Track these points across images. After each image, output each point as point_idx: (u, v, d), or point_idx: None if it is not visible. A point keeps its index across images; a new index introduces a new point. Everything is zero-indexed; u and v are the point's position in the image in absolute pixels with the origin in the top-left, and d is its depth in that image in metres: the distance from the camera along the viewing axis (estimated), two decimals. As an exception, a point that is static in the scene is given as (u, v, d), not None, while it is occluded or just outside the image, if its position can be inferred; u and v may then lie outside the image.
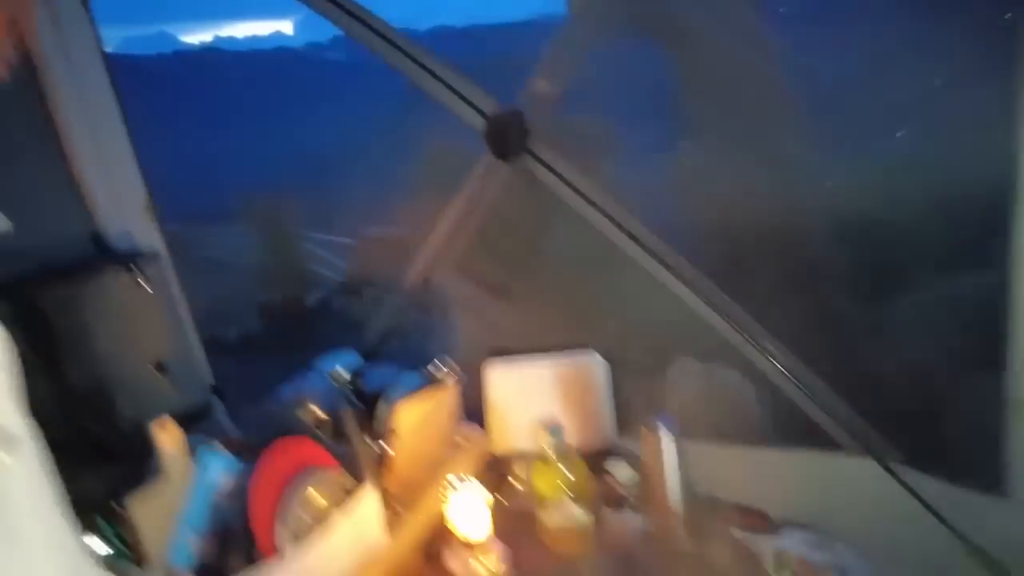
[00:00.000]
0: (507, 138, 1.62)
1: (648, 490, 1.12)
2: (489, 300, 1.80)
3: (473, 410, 1.63)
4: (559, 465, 1.12)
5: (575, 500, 1.11)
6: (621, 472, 1.10)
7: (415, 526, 1.33)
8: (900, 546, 1.51)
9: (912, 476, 1.58)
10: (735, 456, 1.73)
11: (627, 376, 1.52)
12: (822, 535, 1.59)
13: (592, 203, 1.69)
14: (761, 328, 1.70)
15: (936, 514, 1.49)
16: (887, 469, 1.59)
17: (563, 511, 1.11)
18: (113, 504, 1.13)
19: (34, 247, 1.52)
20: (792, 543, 1.64)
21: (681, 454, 1.12)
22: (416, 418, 1.39)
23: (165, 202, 1.65)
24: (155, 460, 1.16)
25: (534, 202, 1.74)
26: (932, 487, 1.55)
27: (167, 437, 1.17)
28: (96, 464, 1.35)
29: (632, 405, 1.41)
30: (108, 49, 2.06)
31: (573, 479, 1.12)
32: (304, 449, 1.23)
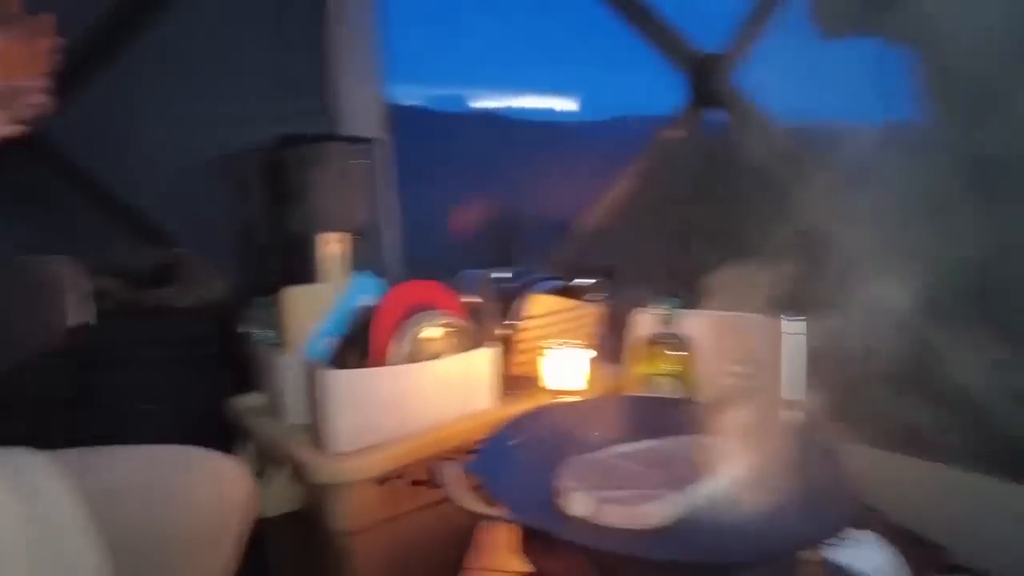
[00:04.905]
0: (708, 83, 1.61)
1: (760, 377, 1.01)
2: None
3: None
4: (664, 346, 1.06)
5: (673, 380, 1.04)
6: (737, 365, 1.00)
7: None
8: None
9: None
10: (912, 469, 1.44)
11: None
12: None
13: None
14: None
15: None
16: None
17: (653, 387, 1.04)
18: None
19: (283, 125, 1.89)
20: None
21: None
22: (548, 309, 1.41)
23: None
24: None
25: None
26: None
27: (332, 248, 1.34)
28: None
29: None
30: (414, 103, 2.54)
31: (675, 363, 1.04)
32: (437, 291, 1.32)
